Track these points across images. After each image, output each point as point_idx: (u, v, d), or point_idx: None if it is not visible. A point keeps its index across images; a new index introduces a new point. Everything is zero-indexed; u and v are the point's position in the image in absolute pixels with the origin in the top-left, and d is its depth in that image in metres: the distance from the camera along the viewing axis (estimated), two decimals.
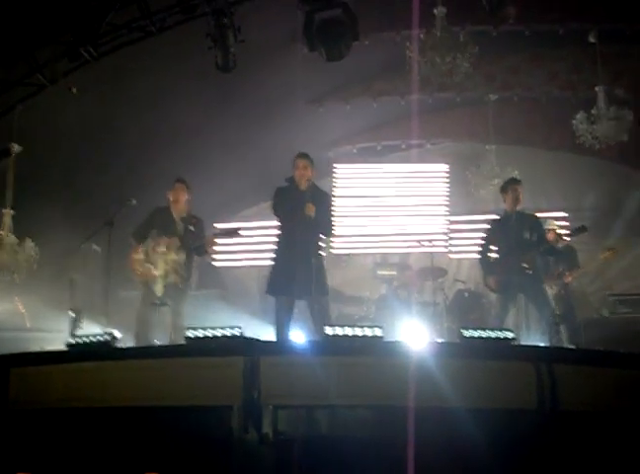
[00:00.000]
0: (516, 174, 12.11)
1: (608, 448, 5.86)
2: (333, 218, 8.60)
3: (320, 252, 8.47)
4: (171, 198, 8.98)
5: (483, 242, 9.60)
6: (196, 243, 8.80)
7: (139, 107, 10.12)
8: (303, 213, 8.07)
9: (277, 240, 8.51)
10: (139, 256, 8.57)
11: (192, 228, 8.85)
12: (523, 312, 9.55)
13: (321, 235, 8.46)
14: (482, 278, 9.65)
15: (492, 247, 9.51)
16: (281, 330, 8.15)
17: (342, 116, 12.94)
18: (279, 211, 8.43)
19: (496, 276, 9.19)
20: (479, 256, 9.65)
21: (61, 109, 9.46)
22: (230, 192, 12.47)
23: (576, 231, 9.46)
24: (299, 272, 7.95)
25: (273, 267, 8.43)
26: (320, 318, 7.92)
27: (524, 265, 9.09)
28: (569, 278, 10.22)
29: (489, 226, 9.69)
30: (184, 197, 8.99)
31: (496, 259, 9.44)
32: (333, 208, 8.56)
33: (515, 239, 9.19)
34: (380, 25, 10.61)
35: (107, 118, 10.02)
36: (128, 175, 10.45)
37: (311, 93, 12.46)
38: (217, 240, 8.92)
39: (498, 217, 9.70)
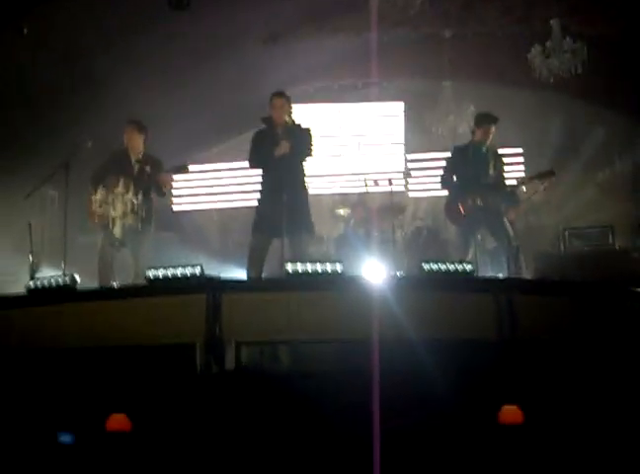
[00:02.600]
0: (472, 110, 12.15)
1: (565, 374, 5.99)
2: (313, 150, 8.51)
3: (305, 187, 8.49)
4: (125, 141, 8.93)
5: (445, 170, 9.60)
6: (149, 183, 8.74)
7: (92, 47, 9.97)
8: (281, 153, 8.09)
9: (260, 181, 8.51)
10: (97, 196, 8.51)
11: (148, 169, 8.76)
12: (483, 245, 9.64)
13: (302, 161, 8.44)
14: (446, 207, 9.62)
15: (454, 176, 9.51)
16: (255, 268, 8.17)
17: (296, 54, 12.82)
18: (253, 162, 8.44)
19: (466, 200, 9.21)
20: (441, 183, 9.65)
21: (12, 49, 9.31)
22: (186, 133, 12.33)
23: (543, 175, 9.45)
24: (286, 210, 7.89)
25: (259, 206, 8.44)
26: (299, 256, 7.86)
27: (489, 201, 9.14)
28: (512, 216, 10.24)
29: (452, 154, 9.68)
30: (137, 138, 8.91)
31: (459, 188, 9.44)
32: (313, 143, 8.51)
33: (480, 173, 9.23)
34: None
35: (59, 58, 9.86)
36: (85, 115, 10.30)
37: (265, 31, 12.32)
38: (171, 178, 8.84)
39: (463, 145, 9.72)
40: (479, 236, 9.45)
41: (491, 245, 9.69)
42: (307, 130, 8.56)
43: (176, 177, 9.20)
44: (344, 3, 11.37)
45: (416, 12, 10.02)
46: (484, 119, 9.48)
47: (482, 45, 13.11)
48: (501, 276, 8.86)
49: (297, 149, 8.18)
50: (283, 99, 8.35)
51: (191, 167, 9.57)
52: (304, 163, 8.46)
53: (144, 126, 8.95)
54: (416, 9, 9.88)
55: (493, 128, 9.34)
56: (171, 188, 8.89)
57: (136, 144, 8.90)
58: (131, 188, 8.53)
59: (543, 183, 9.44)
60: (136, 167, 8.82)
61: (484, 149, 9.38)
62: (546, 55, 10.86)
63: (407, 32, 12.61)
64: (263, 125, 8.44)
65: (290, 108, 8.48)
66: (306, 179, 8.53)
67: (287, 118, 8.34)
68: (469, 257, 9.04)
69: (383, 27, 11.62)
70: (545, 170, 9.48)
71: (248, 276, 8.09)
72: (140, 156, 8.88)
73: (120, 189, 8.47)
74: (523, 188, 9.70)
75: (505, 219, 9.23)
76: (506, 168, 9.88)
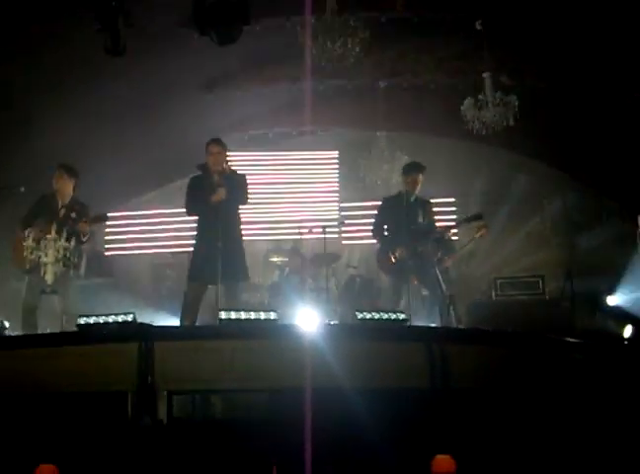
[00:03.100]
0: (405, 159, 12.27)
1: (497, 423, 6.03)
2: (248, 197, 8.59)
3: (240, 234, 8.49)
4: (55, 185, 8.85)
5: (376, 220, 9.70)
6: (74, 229, 8.64)
7: (27, 90, 9.88)
8: (217, 200, 8.12)
9: (197, 227, 8.49)
10: (29, 243, 8.41)
11: (73, 215, 8.68)
12: (416, 294, 9.69)
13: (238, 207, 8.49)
14: (377, 258, 9.71)
15: (385, 226, 9.62)
16: (189, 317, 8.13)
17: (233, 102, 12.87)
18: (190, 208, 8.45)
19: (396, 250, 9.29)
20: (373, 233, 9.74)
21: None
22: (121, 178, 12.26)
23: (471, 218, 9.60)
24: (222, 257, 7.89)
25: (195, 253, 8.44)
26: (234, 302, 7.92)
27: (419, 250, 9.23)
28: (448, 263, 10.32)
29: (382, 204, 9.78)
30: (66, 182, 8.84)
31: (389, 238, 9.54)
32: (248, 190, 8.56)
33: (410, 221, 9.33)
34: (271, 10, 10.56)
35: None
36: (17, 160, 10.19)
37: (202, 79, 12.36)
38: (90, 226, 8.78)
39: (392, 195, 9.83)
40: (415, 283, 9.52)
41: (425, 293, 9.77)
42: (243, 177, 8.59)
43: (111, 222, 9.13)
44: (281, 52, 11.45)
45: (351, 63, 10.12)
46: (412, 169, 9.63)
47: (416, 97, 13.28)
48: (434, 324, 8.91)
49: (233, 196, 8.20)
50: (220, 146, 8.39)
51: (126, 212, 9.52)
52: (239, 210, 8.48)
53: (75, 171, 8.88)
54: (351, 60, 9.98)
55: (420, 177, 9.49)
56: (88, 236, 8.76)
57: (65, 189, 8.82)
58: (63, 234, 8.44)
59: (478, 230, 9.61)
60: (62, 212, 8.72)
61: (412, 198, 9.50)
62: (478, 108, 11.05)
63: (342, 82, 12.75)
64: (199, 172, 8.44)
65: (226, 155, 8.52)
66: (241, 226, 8.54)
67: (223, 165, 8.36)
68: (401, 306, 9.10)
69: (319, 76, 11.74)
70: (472, 214, 9.63)
71: (181, 324, 8.04)
72: (67, 201, 8.79)
73: (52, 234, 8.38)
74: (456, 237, 9.83)
75: (437, 269, 9.33)
76: (437, 217, 10.01)
